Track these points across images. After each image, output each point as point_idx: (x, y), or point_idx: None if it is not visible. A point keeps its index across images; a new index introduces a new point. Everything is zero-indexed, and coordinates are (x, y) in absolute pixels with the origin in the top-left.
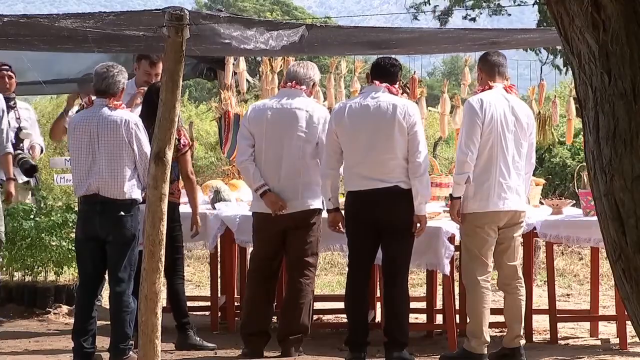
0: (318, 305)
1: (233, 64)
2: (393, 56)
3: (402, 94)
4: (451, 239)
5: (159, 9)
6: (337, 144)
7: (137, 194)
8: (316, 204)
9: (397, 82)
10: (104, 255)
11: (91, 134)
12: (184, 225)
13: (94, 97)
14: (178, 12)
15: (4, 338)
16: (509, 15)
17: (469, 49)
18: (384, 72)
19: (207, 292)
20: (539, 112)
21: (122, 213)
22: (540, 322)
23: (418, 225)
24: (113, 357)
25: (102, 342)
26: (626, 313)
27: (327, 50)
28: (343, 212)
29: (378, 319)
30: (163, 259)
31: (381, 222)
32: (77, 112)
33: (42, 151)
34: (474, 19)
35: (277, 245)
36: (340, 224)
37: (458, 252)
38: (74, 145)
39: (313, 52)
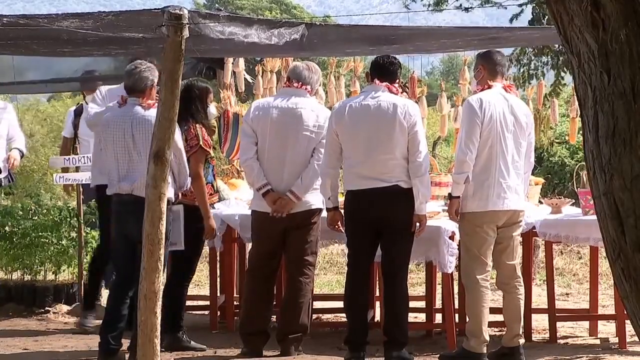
0: (317, 304)
1: (232, 63)
2: (392, 55)
3: (401, 93)
4: (451, 238)
5: (158, 8)
6: (337, 143)
7: (170, 193)
8: (317, 203)
9: (397, 81)
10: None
11: (125, 133)
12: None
13: (126, 96)
14: (177, 11)
15: (3, 337)
16: (505, 8)
17: (468, 44)
18: (384, 71)
19: (206, 292)
20: (536, 111)
21: None
22: (540, 321)
23: (418, 225)
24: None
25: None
26: (625, 312)
27: (326, 49)
28: (342, 211)
29: (377, 318)
30: (162, 258)
31: (380, 221)
32: (75, 107)
33: (22, 155)
34: (467, 9)
35: (277, 245)
36: (339, 222)
37: (457, 252)
38: (107, 145)
39: (313, 50)
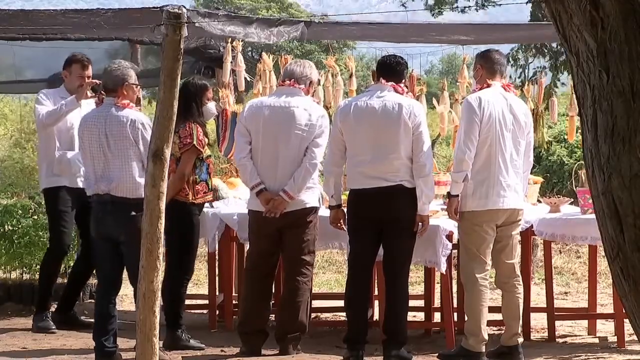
0: (316, 303)
1: (231, 62)
2: (398, 54)
3: (407, 93)
4: (449, 237)
5: (157, 7)
6: (341, 141)
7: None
8: (312, 202)
9: (403, 81)
10: (121, 254)
11: (100, 134)
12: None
13: (104, 96)
14: (176, 10)
15: (3, 336)
16: (499, 5)
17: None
18: (390, 71)
19: (205, 291)
20: (532, 109)
21: (134, 212)
22: (539, 320)
23: (420, 224)
24: None
25: (123, 343)
26: (624, 311)
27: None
28: (345, 209)
29: (376, 317)
30: (161, 257)
31: (383, 220)
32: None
33: None
34: (463, 10)
35: (274, 243)
36: (342, 221)
37: (456, 250)
38: (84, 145)
39: (313, 37)
